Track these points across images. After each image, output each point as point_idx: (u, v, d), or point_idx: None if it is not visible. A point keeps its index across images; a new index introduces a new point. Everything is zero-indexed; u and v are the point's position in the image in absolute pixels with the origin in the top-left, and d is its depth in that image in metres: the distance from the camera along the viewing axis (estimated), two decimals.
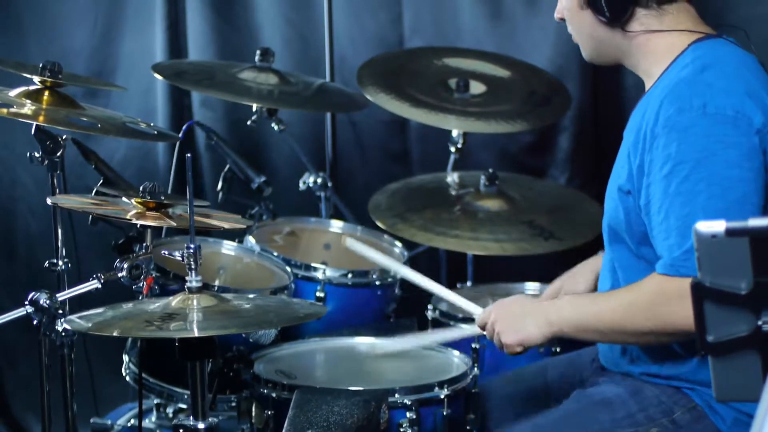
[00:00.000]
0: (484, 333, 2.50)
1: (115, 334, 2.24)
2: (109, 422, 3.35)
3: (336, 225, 3.68)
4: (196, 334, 2.20)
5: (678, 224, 2.17)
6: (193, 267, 2.29)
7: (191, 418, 2.33)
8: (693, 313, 1.60)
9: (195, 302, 2.28)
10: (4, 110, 2.69)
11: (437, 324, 3.23)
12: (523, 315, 2.38)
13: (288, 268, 3.22)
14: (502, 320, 2.40)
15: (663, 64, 2.31)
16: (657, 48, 2.32)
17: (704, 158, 2.16)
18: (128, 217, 2.58)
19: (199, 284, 2.30)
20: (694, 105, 2.18)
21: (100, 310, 2.35)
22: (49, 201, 2.71)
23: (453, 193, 3.69)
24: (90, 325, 2.26)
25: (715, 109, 2.17)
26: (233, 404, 2.96)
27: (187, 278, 2.30)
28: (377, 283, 3.35)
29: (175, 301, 2.31)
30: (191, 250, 2.29)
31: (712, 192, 2.15)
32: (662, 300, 2.19)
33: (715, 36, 2.33)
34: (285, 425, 2.37)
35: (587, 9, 2.34)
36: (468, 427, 2.67)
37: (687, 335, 2.20)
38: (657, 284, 2.21)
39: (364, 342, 2.93)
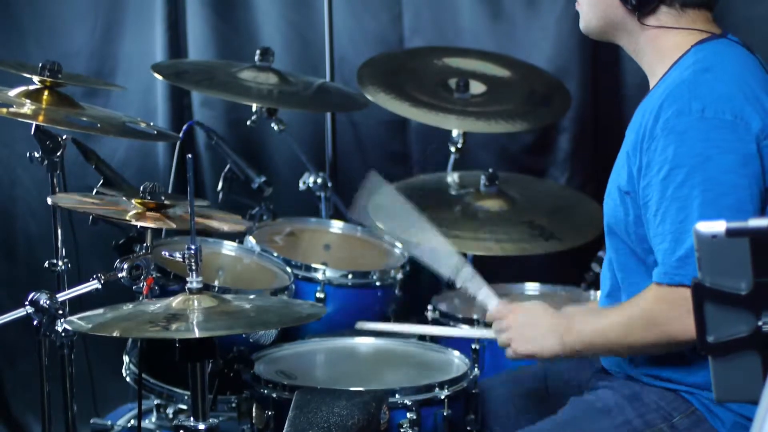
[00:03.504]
0: (489, 334, 2.48)
1: (115, 335, 2.24)
2: (109, 423, 3.35)
3: (336, 225, 3.68)
4: (197, 335, 2.20)
5: (672, 229, 2.17)
6: (194, 268, 2.29)
7: (191, 418, 2.33)
8: (693, 315, 1.60)
9: (196, 303, 2.28)
10: (4, 110, 2.70)
11: (437, 325, 3.22)
12: (540, 327, 2.36)
13: (288, 269, 3.21)
14: (519, 327, 2.39)
15: (667, 63, 2.31)
16: (664, 45, 2.32)
17: (700, 163, 2.15)
18: (127, 218, 2.58)
19: (200, 285, 2.30)
20: (693, 108, 2.17)
21: (100, 311, 2.35)
22: (49, 200, 2.71)
23: (453, 193, 3.68)
24: (91, 326, 2.26)
25: (713, 113, 2.16)
26: (234, 405, 2.96)
27: (187, 279, 2.30)
28: (377, 284, 3.35)
29: (175, 302, 2.30)
30: (192, 251, 2.28)
31: (706, 198, 2.14)
32: (658, 311, 2.20)
33: (719, 36, 2.32)
34: (285, 426, 2.37)
35: None
36: (468, 428, 2.67)
37: (687, 344, 2.21)
38: (653, 295, 2.21)
39: (363, 342, 2.94)
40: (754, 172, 2.16)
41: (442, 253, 2.66)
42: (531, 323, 2.38)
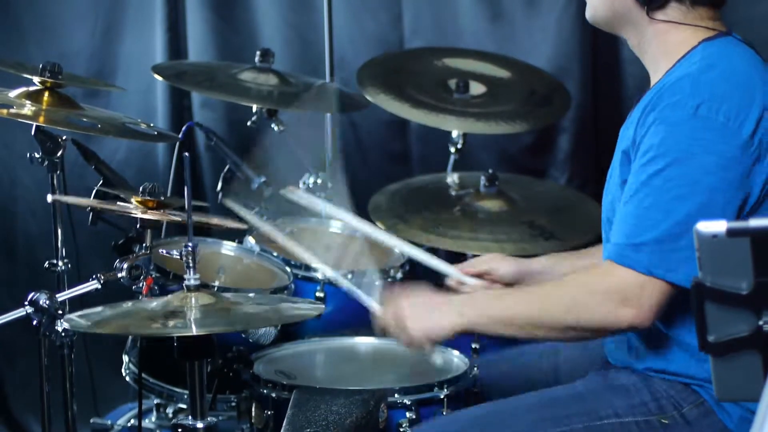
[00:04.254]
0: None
1: (113, 331, 2.24)
2: (108, 422, 3.35)
3: (336, 226, 3.68)
4: (194, 332, 2.20)
5: (636, 213, 2.18)
6: (191, 265, 2.29)
7: (190, 417, 2.33)
8: (695, 315, 1.60)
9: (193, 300, 2.28)
10: (4, 111, 2.70)
11: None
12: (432, 306, 2.33)
13: (288, 269, 3.21)
14: (412, 308, 2.35)
15: (672, 58, 2.31)
16: (671, 41, 2.31)
17: (682, 159, 2.16)
18: (131, 210, 2.59)
19: (197, 282, 2.30)
20: (688, 104, 2.17)
21: (98, 308, 2.35)
22: (49, 198, 2.71)
23: (453, 193, 3.68)
24: (89, 323, 2.26)
25: (707, 112, 2.16)
26: (233, 404, 2.96)
27: (185, 276, 2.30)
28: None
29: (173, 299, 2.31)
30: (189, 248, 2.28)
31: (679, 193, 2.15)
32: (588, 292, 2.21)
33: (725, 34, 2.32)
34: (284, 424, 2.37)
35: None
36: None
37: (605, 334, 2.26)
38: (592, 276, 2.22)
39: (363, 342, 2.94)
40: (735, 177, 2.16)
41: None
42: (424, 303, 2.35)
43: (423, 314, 2.33)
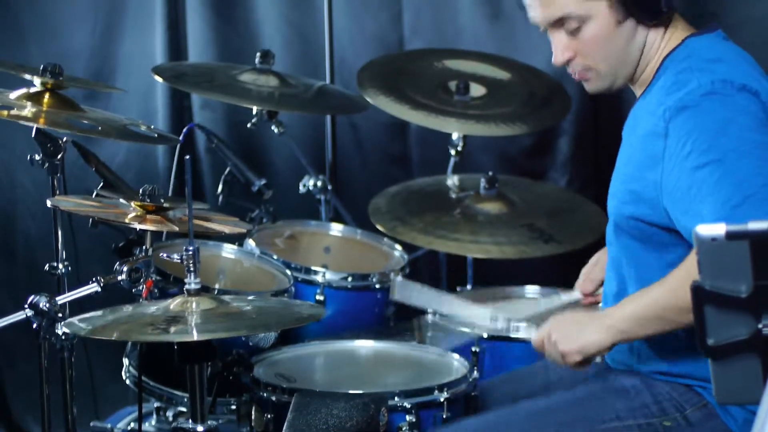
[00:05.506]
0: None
1: (114, 337, 2.24)
2: (109, 425, 3.34)
3: (336, 228, 3.68)
4: (196, 338, 2.19)
5: (713, 191, 2.11)
6: (192, 269, 2.28)
7: (190, 421, 2.32)
8: (694, 316, 1.60)
9: (194, 305, 2.28)
10: (5, 112, 2.69)
11: (437, 327, 3.22)
12: (580, 323, 2.31)
13: (288, 272, 3.21)
14: (558, 330, 2.33)
15: (655, 63, 2.32)
16: (658, 50, 2.33)
17: (722, 127, 2.15)
18: (127, 221, 2.58)
19: (198, 287, 2.30)
20: (702, 83, 2.19)
21: (99, 312, 2.35)
22: (48, 203, 2.71)
23: (453, 196, 3.68)
24: (89, 329, 2.25)
25: (722, 85, 2.18)
26: (233, 408, 2.96)
27: (186, 281, 2.30)
28: (377, 286, 3.34)
29: (174, 304, 2.30)
30: (190, 252, 2.28)
31: (740, 152, 2.12)
32: None
33: (708, 31, 2.34)
34: (284, 428, 2.37)
35: (627, 18, 2.29)
36: None
37: None
38: None
39: (363, 345, 2.94)
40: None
41: (473, 314, 2.58)
42: (569, 323, 2.33)
43: (572, 334, 2.31)
